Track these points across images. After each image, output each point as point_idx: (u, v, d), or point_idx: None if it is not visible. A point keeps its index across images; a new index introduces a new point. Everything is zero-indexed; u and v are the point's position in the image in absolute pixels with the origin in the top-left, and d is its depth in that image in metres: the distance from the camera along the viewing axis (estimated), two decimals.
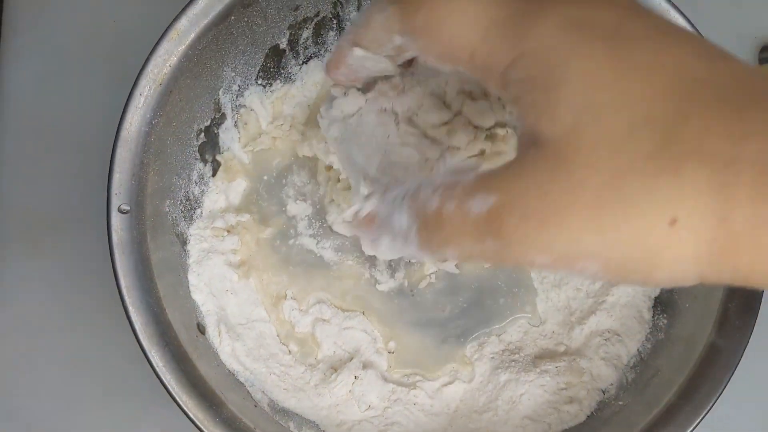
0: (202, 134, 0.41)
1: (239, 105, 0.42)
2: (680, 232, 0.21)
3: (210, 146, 0.42)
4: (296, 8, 0.41)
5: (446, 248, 0.24)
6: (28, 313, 0.45)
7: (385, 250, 0.27)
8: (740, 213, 0.20)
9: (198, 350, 0.36)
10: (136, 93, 0.36)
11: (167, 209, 0.38)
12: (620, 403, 0.38)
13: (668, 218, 0.21)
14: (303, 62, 0.44)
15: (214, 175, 0.42)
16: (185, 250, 0.40)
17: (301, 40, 0.43)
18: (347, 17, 0.43)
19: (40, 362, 0.45)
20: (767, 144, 0.20)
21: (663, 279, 0.22)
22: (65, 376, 0.45)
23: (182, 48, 0.37)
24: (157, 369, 0.34)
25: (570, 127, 0.22)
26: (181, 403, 0.33)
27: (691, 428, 0.34)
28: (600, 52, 0.23)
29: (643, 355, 0.39)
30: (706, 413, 0.33)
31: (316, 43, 0.44)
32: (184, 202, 0.40)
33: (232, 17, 0.38)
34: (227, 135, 0.42)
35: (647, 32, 0.23)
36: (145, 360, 0.33)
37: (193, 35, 0.37)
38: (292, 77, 0.44)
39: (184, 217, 0.40)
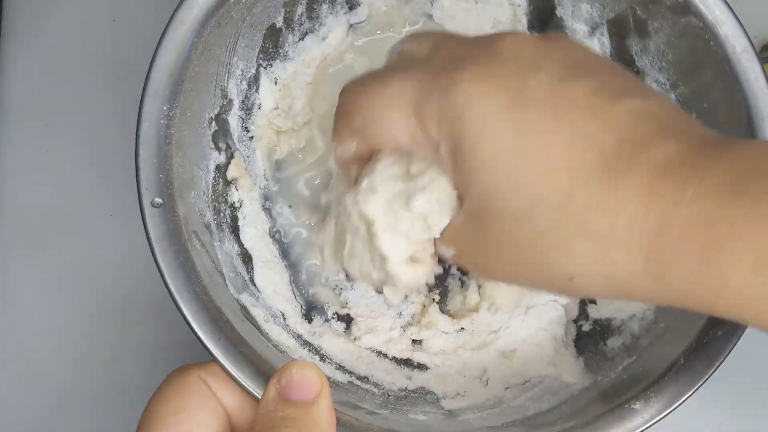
0: (213, 122, 0.41)
1: (244, 89, 0.42)
2: (578, 283, 0.27)
3: (222, 134, 0.41)
4: None
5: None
6: (29, 312, 0.45)
7: None
8: (621, 273, 0.26)
9: (247, 333, 0.36)
10: (150, 86, 0.36)
11: (193, 200, 0.38)
12: (661, 325, 0.39)
13: (567, 277, 0.27)
14: (300, 39, 0.44)
15: (226, 169, 0.42)
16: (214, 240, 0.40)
17: (296, 17, 0.43)
18: None
19: (41, 362, 0.45)
20: (636, 213, 0.25)
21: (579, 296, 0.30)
22: (67, 376, 0.45)
23: (188, 36, 0.37)
24: (218, 358, 0.33)
25: (481, 206, 0.28)
26: (250, 389, 0.33)
27: (738, 335, 0.35)
28: (502, 129, 0.27)
29: None
30: None
31: (310, 18, 0.44)
32: (206, 192, 0.40)
33: (231, 0, 0.38)
34: (236, 121, 0.42)
35: (548, 91, 0.27)
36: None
37: (196, 22, 0.37)
38: (290, 56, 0.44)
39: (208, 207, 0.40)
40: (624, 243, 0.25)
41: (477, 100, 0.27)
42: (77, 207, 0.46)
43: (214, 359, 0.34)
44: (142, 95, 0.36)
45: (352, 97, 0.31)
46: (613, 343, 0.40)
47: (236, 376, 0.33)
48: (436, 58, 0.30)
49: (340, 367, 0.41)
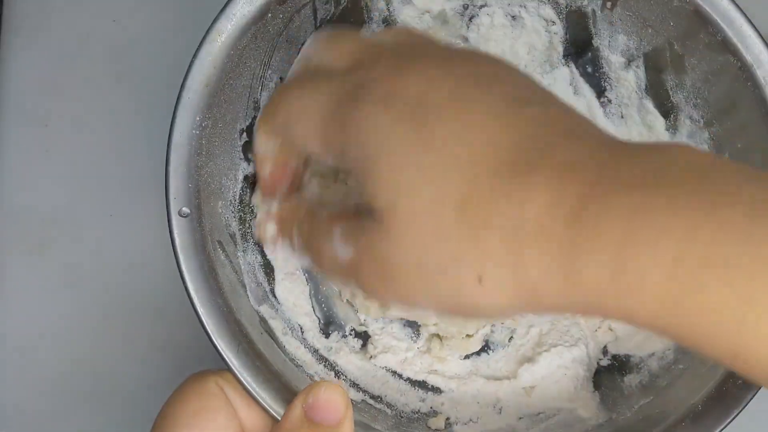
0: (244, 134, 0.41)
1: None
2: (487, 285, 0.25)
3: (252, 145, 0.42)
4: (327, 1, 0.41)
5: (329, 278, 0.33)
6: (29, 313, 0.45)
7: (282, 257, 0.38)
8: (532, 270, 0.24)
9: (265, 346, 0.37)
10: (185, 96, 0.36)
11: (220, 210, 0.39)
12: (681, 366, 0.39)
13: (475, 277, 0.25)
14: None
15: (254, 180, 0.42)
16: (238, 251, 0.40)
17: None
18: (376, 5, 0.43)
19: (41, 363, 0.45)
20: (545, 206, 0.24)
21: (488, 318, 0.29)
22: (66, 377, 0.45)
23: (224, 48, 0.37)
24: (234, 368, 0.34)
25: (387, 206, 0.27)
26: (265, 405, 0.33)
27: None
28: (404, 131, 0.27)
29: None
30: None
31: None
32: (233, 202, 0.40)
33: (269, 15, 0.38)
34: None
35: (448, 98, 0.27)
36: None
37: (233, 34, 0.37)
38: None
39: (234, 217, 0.40)
40: (533, 236, 0.24)
41: (380, 110, 0.27)
42: (77, 208, 0.46)
43: (232, 373, 0.34)
44: (176, 105, 0.36)
45: (280, 95, 0.33)
46: (631, 380, 0.40)
47: (253, 390, 0.34)
48: (355, 75, 0.30)
49: (354, 385, 0.41)
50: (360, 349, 0.43)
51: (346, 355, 0.42)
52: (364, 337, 0.43)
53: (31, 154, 0.47)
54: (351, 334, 0.43)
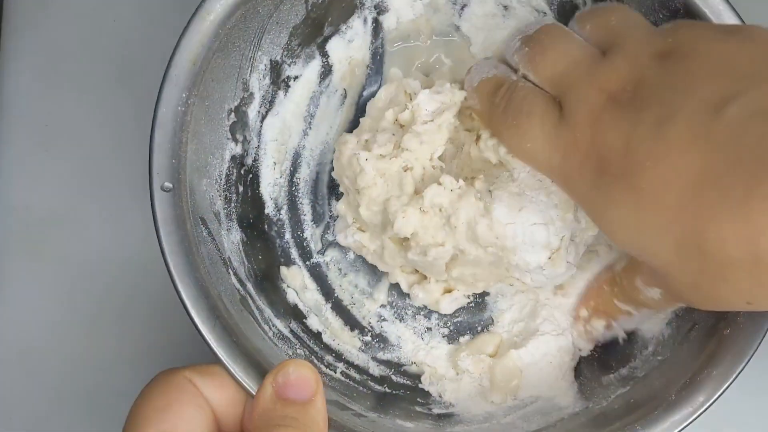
0: (232, 114, 0.41)
1: (266, 84, 0.43)
2: None
3: (240, 126, 0.42)
4: None
5: None
6: (28, 312, 0.46)
7: None
8: None
9: (245, 323, 0.37)
10: (171, 73, 0.36)
11: (205, 188, 0.39)
12: (659, 358, 0.39)
13: None
14: (325, 39, 0.44)
15: (241, 160, 0.42)
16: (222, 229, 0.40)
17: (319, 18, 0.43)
18: None
19: (40, 362, 0.45)
20: None
21: None
22: (66, 375, 0.45)
23: (212, 27, 0.37)
24: (212, 345, 0.34)
25: None
26: (241, 380, 0.34)
27: (733, 376, 0.34)
28: None
29: (677, 312, 0.40)
30: (749, 358, 0.34)
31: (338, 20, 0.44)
32: (219, 181, 0.40)
33: None
34: (255, 114, 0.43)
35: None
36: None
37: (222, 14, 0.38)
38: (314, 55, 0.44)
39: (219, 196, 0.40)
40: None
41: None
42: (77, 207, 0.46)
43: (209, 347, 0.34)
44: (163, 81, 0.36)
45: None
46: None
47: (228, 365, 0.34)
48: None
49: (337, 356, 0.42)
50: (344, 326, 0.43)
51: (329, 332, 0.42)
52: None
53: (31, 154, 0.47)
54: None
